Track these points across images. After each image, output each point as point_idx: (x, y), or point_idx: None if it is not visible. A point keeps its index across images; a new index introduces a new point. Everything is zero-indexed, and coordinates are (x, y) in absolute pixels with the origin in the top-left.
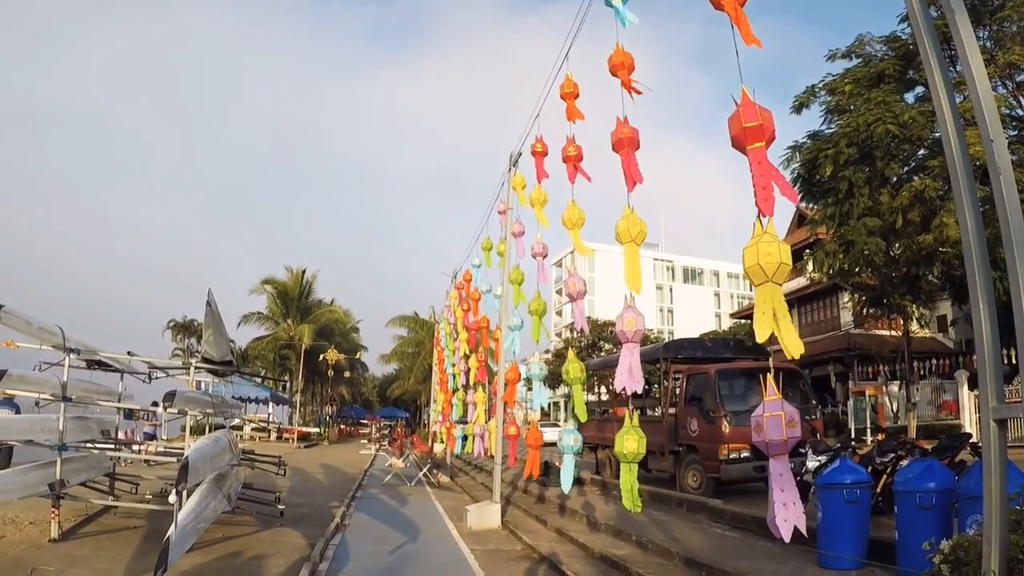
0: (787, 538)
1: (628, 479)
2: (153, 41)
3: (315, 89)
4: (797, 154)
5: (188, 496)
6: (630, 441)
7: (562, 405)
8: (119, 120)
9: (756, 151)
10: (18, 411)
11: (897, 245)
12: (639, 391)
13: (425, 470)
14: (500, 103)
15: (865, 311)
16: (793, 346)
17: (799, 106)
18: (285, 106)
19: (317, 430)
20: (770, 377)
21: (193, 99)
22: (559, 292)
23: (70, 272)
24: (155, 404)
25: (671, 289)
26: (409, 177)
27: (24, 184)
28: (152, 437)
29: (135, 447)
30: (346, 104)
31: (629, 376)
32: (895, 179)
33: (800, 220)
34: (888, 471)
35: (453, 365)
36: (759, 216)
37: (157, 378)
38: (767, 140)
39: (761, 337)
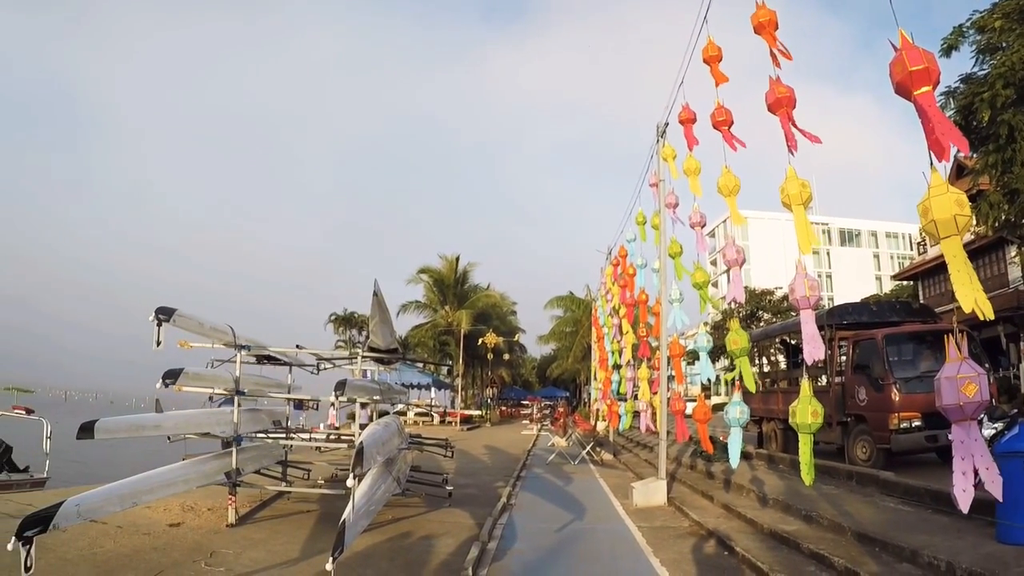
0: (965, 510)
1: (806, 451)
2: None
3: (442, 78)
4: (951, 100)
5: (361, 480)
6: (807, 411)
7: (720, 377)
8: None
9: (924, 95)
10: None
11: None
12: (822, 358)
13: (588, 448)
14: (627, 65)
15: None
16: (985, 307)
17: (948, 48)
18: (417, 101)
19: (479, 412)
20: (954, 338)
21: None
22: (713, 263)
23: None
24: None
25: (828, 253)
26: (544, 155)
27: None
28: (362, 427)
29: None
30: (472, 89)
31: (815, 343)
32: None
33: (959, 171)
34: None
35: (614, 342)
36: (932, 165)
37: (324, 369)
38: (934, 83)
39: (967, 305)
